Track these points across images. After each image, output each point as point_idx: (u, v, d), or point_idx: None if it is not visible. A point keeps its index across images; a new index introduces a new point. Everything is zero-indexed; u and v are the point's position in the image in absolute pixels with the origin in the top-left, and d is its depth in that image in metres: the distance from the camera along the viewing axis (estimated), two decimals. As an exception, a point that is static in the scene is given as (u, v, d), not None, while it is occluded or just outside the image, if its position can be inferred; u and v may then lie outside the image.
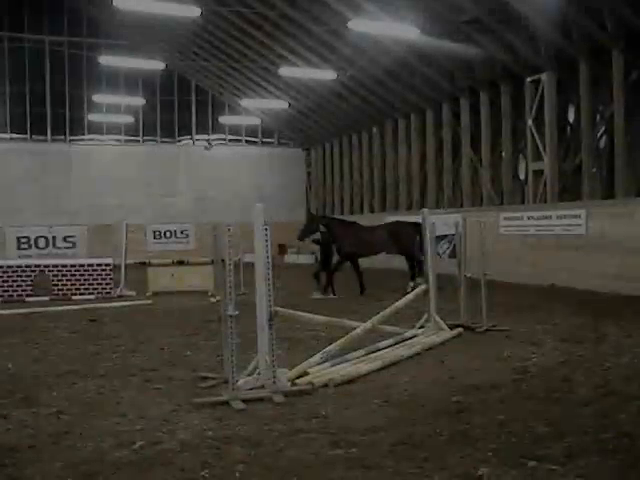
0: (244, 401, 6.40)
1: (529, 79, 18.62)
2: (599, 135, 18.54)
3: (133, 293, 16.68)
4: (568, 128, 19.35)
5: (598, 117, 18.53)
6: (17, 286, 15.98)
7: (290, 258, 31.34)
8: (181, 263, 18.19)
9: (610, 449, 4.94)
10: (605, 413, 5.84)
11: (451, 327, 10.11)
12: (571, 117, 19.38)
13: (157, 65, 27.64)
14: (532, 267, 17.87)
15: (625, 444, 5.05)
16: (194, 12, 18.20)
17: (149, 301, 15.31)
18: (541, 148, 18.41)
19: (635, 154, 17.09)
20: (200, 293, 16.23)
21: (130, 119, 31.74)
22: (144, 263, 18.51)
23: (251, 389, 6.77)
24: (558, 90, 18.15)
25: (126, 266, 17.25)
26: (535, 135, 18.60)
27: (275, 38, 23.77)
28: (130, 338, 10.37)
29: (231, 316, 6.67)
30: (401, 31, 18.09)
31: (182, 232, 31.66)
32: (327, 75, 23.67)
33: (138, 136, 32.64)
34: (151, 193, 32.44)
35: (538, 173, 18.63)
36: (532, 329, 10.46)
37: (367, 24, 18.00)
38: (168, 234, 31.36)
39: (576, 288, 15.81)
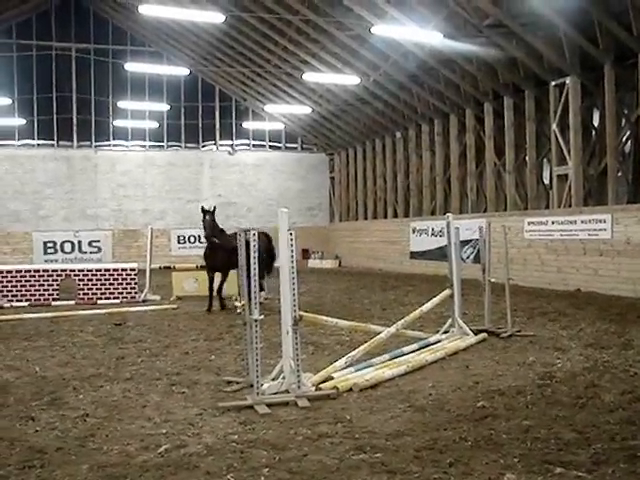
0: (269, 405, 6.42)
1: (553, 83, 18.50)
2: (624, 139, 18.37)
3: (157, 297, 16.80)
4: (593, 132, 19.19)
5: (623, 121, 18.37)
6: (44, 290, 16.19)
7: (313, 263, 31.51)
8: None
9: (638, 456, 4.88)
10: (632, 420, 5.77)
11: (475, 332, 10.06)
12: (596, 121, 19.21)
13: (181, 71, 27.95)
14: (557, 272, 17.73)
15: (653, 451, 5.00)
16: (218, 18, 18.33)
17: (173, 305, 15.41)
18: (565, 152, 18.26)
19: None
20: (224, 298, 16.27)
21: (155, 125, 32.01)
22: (168, 268, 18.68)
23: (275, 393, 6.78)
24: (583, 94, 18.00)
25: (151, 271, 17.39)
26: (559, 139, 18.46)
27: (298, 44, 23.85)
28: (155, 342, 10.45)
29: (256, 320, 6.71)
30: (424, 36, 18.07)
31: (206, 237, 31.78)
32: (350, 80, 23.70)
33: (162, 142, 32.88)
34: (175, 198, 32.70)
35: (563, 178, 18.48)
36: (557, 334, 10.38)
37: (390, 29, 18.01)
38: (192, 239, 31.48)
39: (601, 293, 15.67)
